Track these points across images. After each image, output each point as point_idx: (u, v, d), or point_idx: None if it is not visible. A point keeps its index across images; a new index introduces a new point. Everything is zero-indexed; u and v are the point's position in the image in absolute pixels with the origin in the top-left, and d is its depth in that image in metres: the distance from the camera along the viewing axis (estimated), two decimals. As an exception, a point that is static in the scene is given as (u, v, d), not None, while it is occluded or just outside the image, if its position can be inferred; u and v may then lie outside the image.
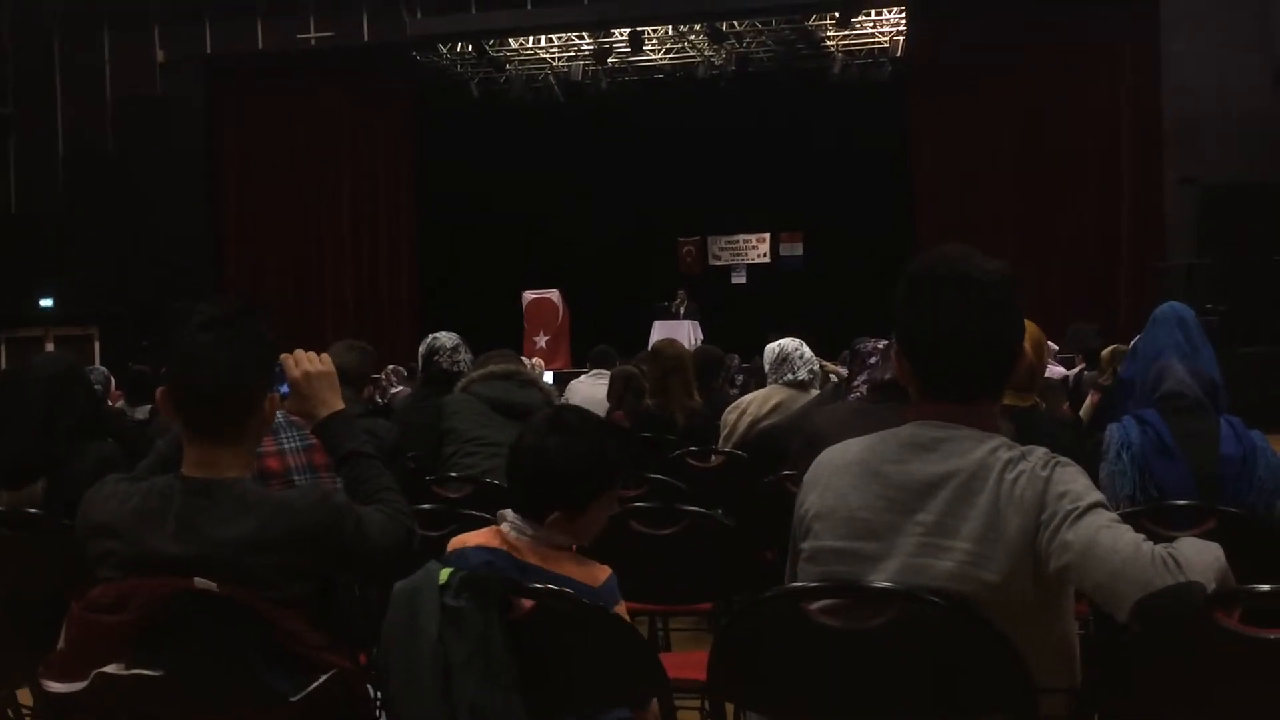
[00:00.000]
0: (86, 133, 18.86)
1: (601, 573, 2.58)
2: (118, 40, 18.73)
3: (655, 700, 2.40)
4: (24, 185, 19.25)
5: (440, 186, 18.60)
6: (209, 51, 18.39)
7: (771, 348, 6.19)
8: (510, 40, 18.14)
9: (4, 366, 14.43)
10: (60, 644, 2.29)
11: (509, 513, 2.61)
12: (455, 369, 5.90)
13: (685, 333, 15.43)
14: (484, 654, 2.30)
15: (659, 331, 15.45)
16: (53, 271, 18.66)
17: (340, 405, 2.76)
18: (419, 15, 17.42)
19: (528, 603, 2.36)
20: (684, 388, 6.50)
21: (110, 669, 2.20)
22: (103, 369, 9.08)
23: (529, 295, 17.07)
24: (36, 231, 18.50)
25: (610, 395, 7.46)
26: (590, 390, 8.66)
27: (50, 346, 18.81)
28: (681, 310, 16.97)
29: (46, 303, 19.20)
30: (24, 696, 3.11)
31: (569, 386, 9.28)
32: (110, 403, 7.98)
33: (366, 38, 17.63)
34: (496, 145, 18.34)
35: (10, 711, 3.18)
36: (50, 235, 18.40)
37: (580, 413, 2.74)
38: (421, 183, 18.87)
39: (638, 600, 2.70)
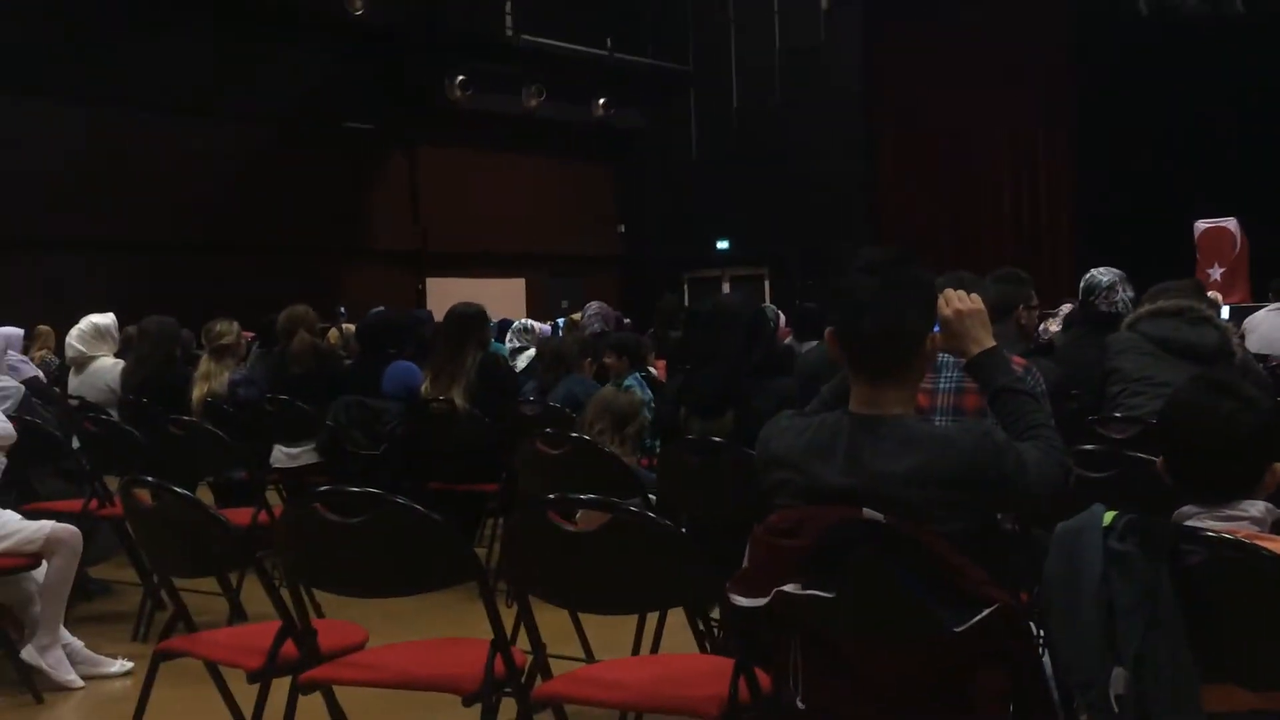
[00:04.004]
0: (756, 84, 20.02)
1: None
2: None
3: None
4: (703, 136, 20.81)
5: (1102, 112, 17.80)
6: (869, -3, 18.84)
7: None
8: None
9: (687, 305, 15.73)
10: (745, 563, 2.51)
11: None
12: (1113, 309, 5.67)
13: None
14: (1150, 602, 2.23)
15: (1357, 261, 13.88)
16: (729, 216, 20.07)
17: (991, 343, 2.76)
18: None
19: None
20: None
21: (788, 588, 2.38)
22: (773, 307, 9.63)
23: (1202, 225, 15.91)
24: (715, 179, 19.94)
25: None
26: (1272, 325, 8.03)
27: (726, 286, 20.28)
28: (1390, 237, 15.09)
29: (723, 245, 20.70)
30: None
31: (1246, 321, 8.63)
32: (780, 340, 8.48)
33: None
34: (1165, 64, 17.20)
35: (702, 622, 3.51)
36: (726, 182, 19.76)
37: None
38: (1082, 109, 18.19)
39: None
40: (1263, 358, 7.07)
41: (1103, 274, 5.84)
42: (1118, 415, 4.78)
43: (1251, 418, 2.46)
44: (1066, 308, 9.56)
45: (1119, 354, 5.11)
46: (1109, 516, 2.33)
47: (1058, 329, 8.81)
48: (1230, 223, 15.72)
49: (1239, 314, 10.23)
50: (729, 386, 4.19)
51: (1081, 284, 5.94)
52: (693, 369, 4.47)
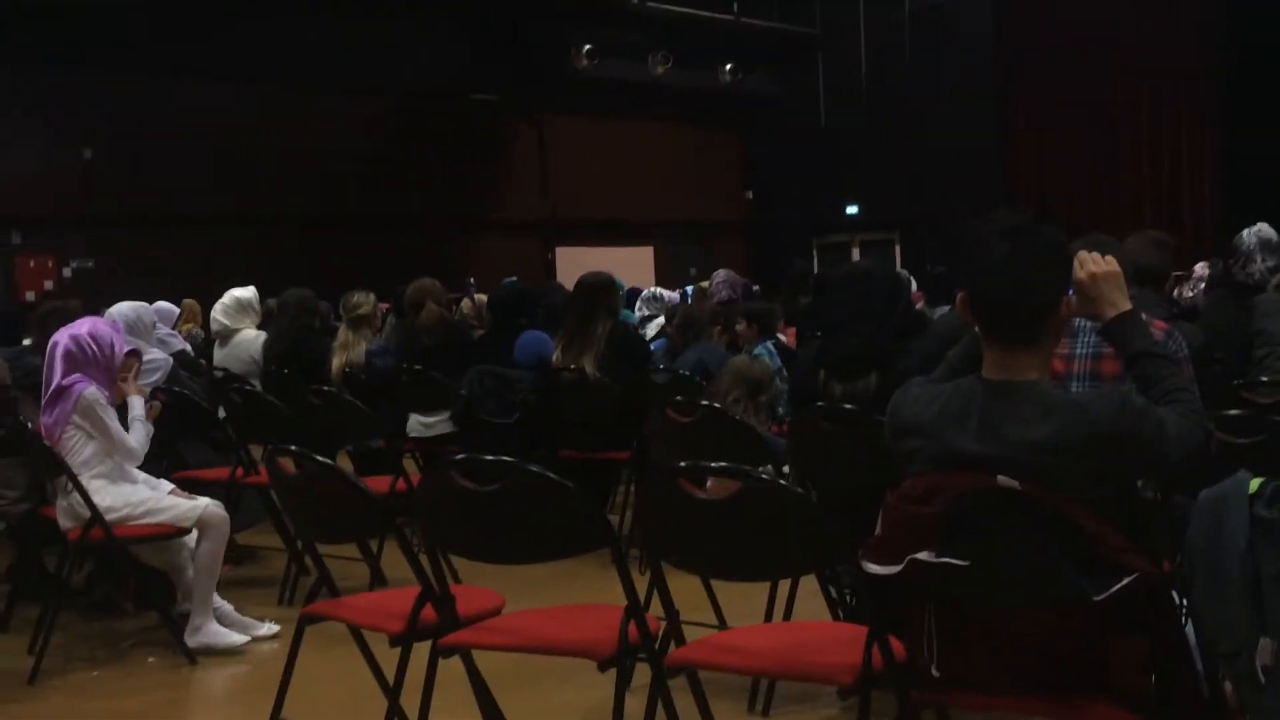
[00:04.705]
0: (885, 45, 19.72)
1: None
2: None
3: None
4: (832, 100, 20.58)
5: (1253, 66, 17.09)
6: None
7: None
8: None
9: (816, 271, 15.61)
10: (878, 530, 2.50)
11: None
12: (1249, 280, 5.44)
13: None
14: (1301, 570, 2.18)
15: None
16: (858, 180, 19.85)
17: (1127, 306, 2.70)
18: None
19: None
20: None
21: (922, 556, 2.36)
22: (905, 272, 9.51)
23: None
24: (843, 143, 19.73)
25: None
26: None
27: (856, 252, 20.08)
28: None
29: (852, 210, 20.50)
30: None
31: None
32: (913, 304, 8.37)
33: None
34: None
35: (832, 589, 3.51)
36: (855, 146, 19.54)
37: None
38: (1232, 64, 17.51)
39: None
40: None
41: (1248, 238, 5.62)
42: (1264, 379, 4.64)
43: None
44: (1200, 268, 9.26)
45: (1266, 315, 4.95)
46: (1256, 483, 2.28)
47: (1192, 293, 8.55)
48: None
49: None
50: (871, 347, 4.14)
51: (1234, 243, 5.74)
52: (827, 333, 4.44)
